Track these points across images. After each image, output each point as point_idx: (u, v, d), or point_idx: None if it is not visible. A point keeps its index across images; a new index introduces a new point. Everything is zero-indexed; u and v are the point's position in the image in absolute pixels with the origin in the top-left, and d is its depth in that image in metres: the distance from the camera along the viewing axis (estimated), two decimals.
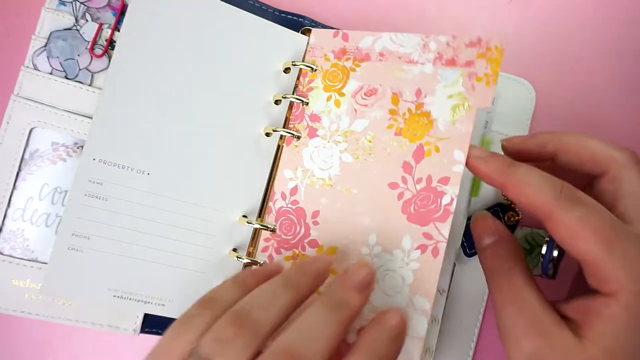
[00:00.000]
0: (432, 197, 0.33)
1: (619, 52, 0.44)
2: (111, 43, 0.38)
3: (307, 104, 0.39)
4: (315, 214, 0.37)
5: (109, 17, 0.38)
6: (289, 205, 0.38)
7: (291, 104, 0.40)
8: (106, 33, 0.38)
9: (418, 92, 0.35)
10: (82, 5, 0.38)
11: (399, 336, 0.29)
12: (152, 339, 0.40)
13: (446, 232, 0.32)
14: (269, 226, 0.38)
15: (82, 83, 0.38)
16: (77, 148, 0.38)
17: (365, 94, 0.37)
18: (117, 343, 0.42)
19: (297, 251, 0.37)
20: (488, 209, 0.42)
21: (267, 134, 0.40)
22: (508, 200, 0.42)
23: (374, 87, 0.37)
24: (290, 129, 0.39)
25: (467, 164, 0.32)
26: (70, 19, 0.38)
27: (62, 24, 0.38)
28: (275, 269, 0.32)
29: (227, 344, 0.25)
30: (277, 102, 0.40)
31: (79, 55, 0.38)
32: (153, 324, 0.39)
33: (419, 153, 0.34)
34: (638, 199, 0.29)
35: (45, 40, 0.38)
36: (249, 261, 0.38)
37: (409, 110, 0.35)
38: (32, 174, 0.37)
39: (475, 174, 0.33)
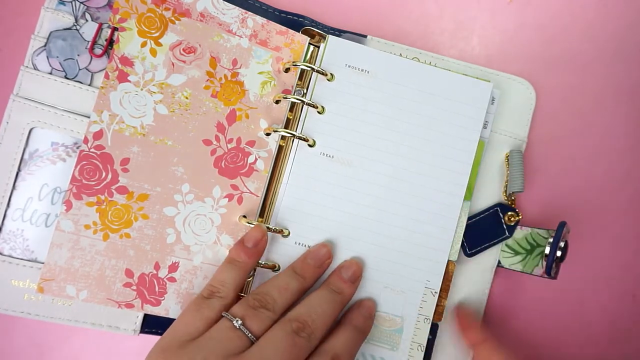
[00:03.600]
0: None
1: (619, 52, 0.44)
2: (110, 43, 0.38)
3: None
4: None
5: (110, 15, 0.38)
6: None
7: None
8: (106, 33, 0.38)
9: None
10: (82, 5, 0.38)
11: (371, 315, 0.38)
12: (153, 339, 0.40)
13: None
14: (274, 228, 0.39)
15: (81, 83, 0.38)
16: (77, 148, 0.38)
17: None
18: (117, 343, 0.41)
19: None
20: (488, 209, 0.42)
21: (267, 134, 0.40)
22: (508, 200, 0.42)
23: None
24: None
25: (455, 315, 0.42)
26: (70, 18, 0.38)
27: (62, 24, 0.38)
28: (259, 236, 0.38)
29: (255, 311, 0.33)
30: (277, 102, 0.40)
31: (78, 55, 0.38)
32: (153, 324, 0.39)
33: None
34: None
35: (45, 40, 0.37)
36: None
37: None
38: (32, 174, 0.37)
39: (457, 326, 0.41)
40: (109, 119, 0.37)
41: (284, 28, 0.40)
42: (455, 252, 0.40)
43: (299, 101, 0.39)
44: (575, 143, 0.44)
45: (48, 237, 0.37)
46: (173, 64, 0.38)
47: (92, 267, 0.37)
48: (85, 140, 0.37)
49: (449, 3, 0.45)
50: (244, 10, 0.39)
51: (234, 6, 0.39)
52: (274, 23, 0.40)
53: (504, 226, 0.42)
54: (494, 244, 0.42)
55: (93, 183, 0.37)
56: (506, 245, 0.42)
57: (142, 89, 0.37)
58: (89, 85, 0.38)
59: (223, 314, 0.33)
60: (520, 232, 0.42)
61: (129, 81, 0.37)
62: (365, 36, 0.43)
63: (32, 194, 0.37)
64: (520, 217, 0.42)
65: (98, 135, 0.37)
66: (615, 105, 0.44)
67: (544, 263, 0.39)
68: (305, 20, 0.43)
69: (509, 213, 0.42)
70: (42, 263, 0.37)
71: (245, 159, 0.39)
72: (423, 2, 0.45)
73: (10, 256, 0.37)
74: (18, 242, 0.37)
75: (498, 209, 0.42)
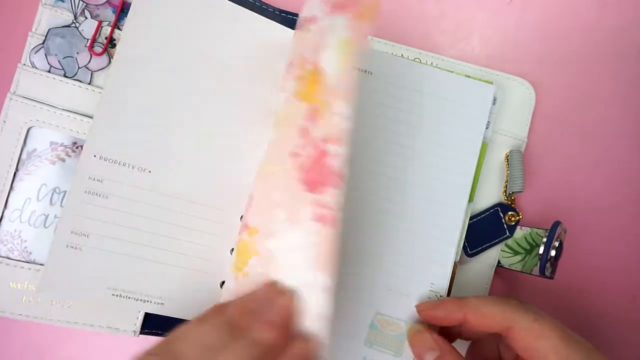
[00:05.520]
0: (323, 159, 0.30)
1: (619, 52, 0.44)
2: (111, 41, 0.38)
3: None
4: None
5: (109, 15, 0.38)
6: None
7: None
8: (106, 31, 0.38)
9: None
10: (81, 2, 0.37)
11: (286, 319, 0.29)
12: (153, 340, 0.40)
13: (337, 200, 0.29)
14: None
15: (81, 82, 0.37)
16: (77, 148, 0.37)
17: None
18: (117, 344, 0.41)
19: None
20: (488, 209, 0.42)
21: None
22: (508, 200, 0.42)
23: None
24: None
25: (421, 315, 0.37)
26: (69, 15, 0.37)
27: (61, 21, 0.37)
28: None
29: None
30: None
31: (78, 53, 0.37)
32: (153, 325, 0.39)
33: (314, 114, 0.31)
34: (545, 338, 0.32)
35: (43, 38, 0.37)
36: None
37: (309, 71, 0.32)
38: (30, 174, 0.37)
39: (434, 322, 0.36)
40: None
41: None
42: (457, 253, 0.40)
43: None
44: (575, 143, 0.44)
45: (47, 238, 0.36)
46: None
47: None
48: None
49: (449, 3, 0.45)
50: None
51: None
52: None
53: (505, 226, 0.42)
54: (495, 244, 0.42)
55: None
56: (506, 245, 0.42)
57: None
58: (89, 84, 0.37)
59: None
60: (519, 232, 0.42)
61: None
62: None
63: (31, 194, 0.37)
64: (521, 217, 0.42)
65: None
66: (615, 105, 0.44)
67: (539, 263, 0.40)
68: None
69: (510, 213, 0.42)
70: (40, 265, 0.37)
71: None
72: (423, 2, 0.45)
73: (7, 257, 0.36)
74: (16, 244, 0.36)
75: (498, 208, 0.42)
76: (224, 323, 0.28)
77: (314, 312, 0.29)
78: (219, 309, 0.29)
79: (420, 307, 0.37)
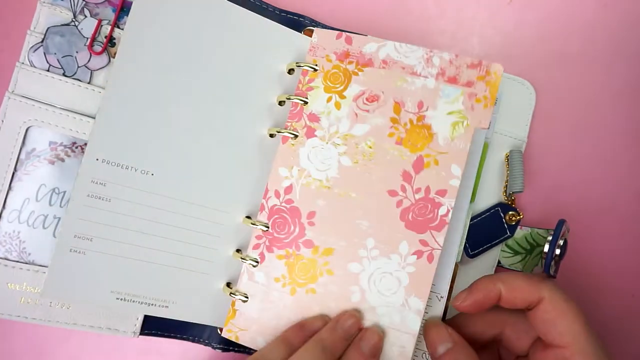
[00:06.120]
0: (430, 207, 0.35)
1: (619, 52, 0.45)
2: (111, 40, 0.37)
3: (306, 103, 0.39)
4: (311, 214, 0.37)
5: (109, 13, 0.38)
6: (283, 204, 0.38)
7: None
8: (105, 29, 0.37)
9: (420, 105, 0.36)
10: (81, 0, 0.37)
11: (377, 352, 0.34)
12: (152, 341, 0.40)
13: (441, 240, 0.35)
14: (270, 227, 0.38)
15: (80, 81, 0.37)
16: (76, 148, 0.37)
17: (367, 100, 0.37)
18: (117, 345, 0.41)
19: (290, 250, 0.37)
20: (489, 209, 0.42)
21: (271, 135, 0.39)
22: (508, 200, 0.42)
23: (376, 93, 0.37)
24: (287, 128, 0.39)
25: (461, 309, 0.35)
26: (68, 14, 0.37)
27: (60, 20, 0.37)
28: (319, 323, 0.35)
29: None
30: (280, 103, 0.39)
31: (77, 52, 0.37)
32: (153, 325, 0.39)
33: (419, 164, 0.36)
34: (570, 320, 0.33)
35: (42, 36, 0.36)
36: (253, 263, 0.38)
37: (410, 120, 0.36)
38: (29, 174, 0.36)
39: (475, 310, 0.35)
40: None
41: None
42: (458, 253, 0.40)
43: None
44: (575, 143, 0.44)
45: (45, 239, 0.36)
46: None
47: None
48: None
49: (449, 3, 0.45)
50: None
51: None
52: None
53: (505, 226, 0.42)
54: (496, 244, 0.42)
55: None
56: (506, 245, 0.42)
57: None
58: (88, 83, 0.37)
59: None
60: (520, 232, 0.42)
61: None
62: (365, 36, 0.42)
63: (29, 194, 0.36)
64: (521, 216, 0.42)
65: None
66: (615, 105, 0.45)
67: (544, 262, 0.40)
68: (305, 20, 0.42)
69: (510, 212, 0.42)
70: (39, 266, 0.36)
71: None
72: (423, 2, 0.45)
73: (6, 259, 0.36)
74: (14, 245, 0.36)
75: (499, 208, 0.42)
76: (322, 350, 0.33)
77: (405, 330, 0.35)
78: (317, 339, 0.34)
79: (457, 301, 0.36)
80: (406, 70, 0.37)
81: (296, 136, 0.38)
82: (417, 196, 0.36)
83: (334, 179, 0.37)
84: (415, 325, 0.35)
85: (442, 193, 0.35)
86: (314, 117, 0.38)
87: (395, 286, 0.35)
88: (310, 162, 0.38)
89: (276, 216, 0.38)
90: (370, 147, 0.37)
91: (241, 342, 0.37)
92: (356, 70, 0.38)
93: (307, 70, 0.39)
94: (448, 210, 0.35)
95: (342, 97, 0.38)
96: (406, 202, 0.36)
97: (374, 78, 0.37)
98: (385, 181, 0.36)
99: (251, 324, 0.37)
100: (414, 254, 0.35)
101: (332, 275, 0.36)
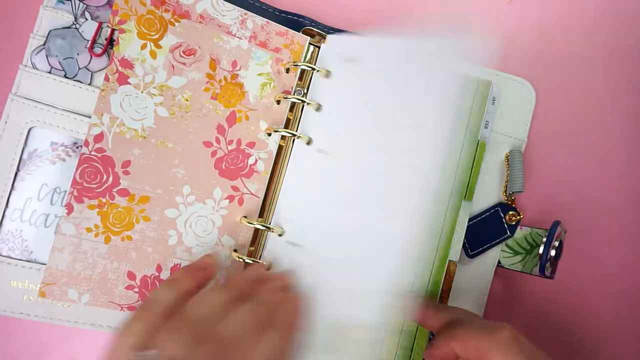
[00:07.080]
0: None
1: (618, 52, 0.44)
2: (111, 42, 0.38)
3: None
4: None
5: (109, 16, 0.38)
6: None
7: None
8: (106, 32, 0.38)
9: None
10: (82, 4, 0.38)
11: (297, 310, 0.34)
12: None
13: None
14: (273, 228, 0.38)
15: (81, 82, 0.37)
16: (77, 148, 0.38)
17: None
18: None
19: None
20: (489, 209, 0.42)
21: (268, 134, 0.39)
22: (508, 200, 0.42)
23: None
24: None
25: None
26: (70, 17, 0.37)
27: (61, 23, 0.37)
28: (208, 262, 0.36)
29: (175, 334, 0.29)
30: (278, 102, 0.40)
31: (78, 54, 0.37)
32: None
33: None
34: None
35: (44, 39, 0.37)
36: (251, 261, 0.38)
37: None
38: (31, 174, 0.37)
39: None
40: (110, 121, 0.37)
41: (283, 29, 0.40)
42: (456, 252, 0.40)
43: (300, 101, 0.39)
44: (575, 143, 0.44)
45: (47, 237, 0.37)
46: (173, 66, 0.38)
47: (94, 271, 0.36)
48: (86, 143, 0.36)
49: (449, 3, 0.45)
50: (243, 11, 0.39)
51: (233, 7, 0.39)
52: (273, 24, 0.40)
53: (505, 226, 0.42)
54: (496, 243, 0.42)
55: (94, 186, 0.36)
56: (506, 245, 0.42)
57: (142, 92, 0.37)
58: (89, 84, 0.38)
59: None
60: (520, 232, 0.42)
61: (130, 83, 0.37)
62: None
63: (31, 194, 0.37)
64: (521, 216, 0.42)
65: (99, 138, 0.36)
66: (615, 105, 0.44)
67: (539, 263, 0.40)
68: (305, 20, 0.43)
69: (510, 212, 0.42)
70: (41, 264, 0.37)
71: (246, 160, 0.39)
72: (423, 2, 0.45)
73: (8, 257, 0.37)
74: (17, 243, 0.37)
75: (499, 208, 0.42)
76: (233, 288, 0.33)
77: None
78: (227, 282, 0.34)
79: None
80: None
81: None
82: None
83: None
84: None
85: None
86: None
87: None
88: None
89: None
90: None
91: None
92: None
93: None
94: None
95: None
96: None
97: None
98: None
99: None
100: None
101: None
